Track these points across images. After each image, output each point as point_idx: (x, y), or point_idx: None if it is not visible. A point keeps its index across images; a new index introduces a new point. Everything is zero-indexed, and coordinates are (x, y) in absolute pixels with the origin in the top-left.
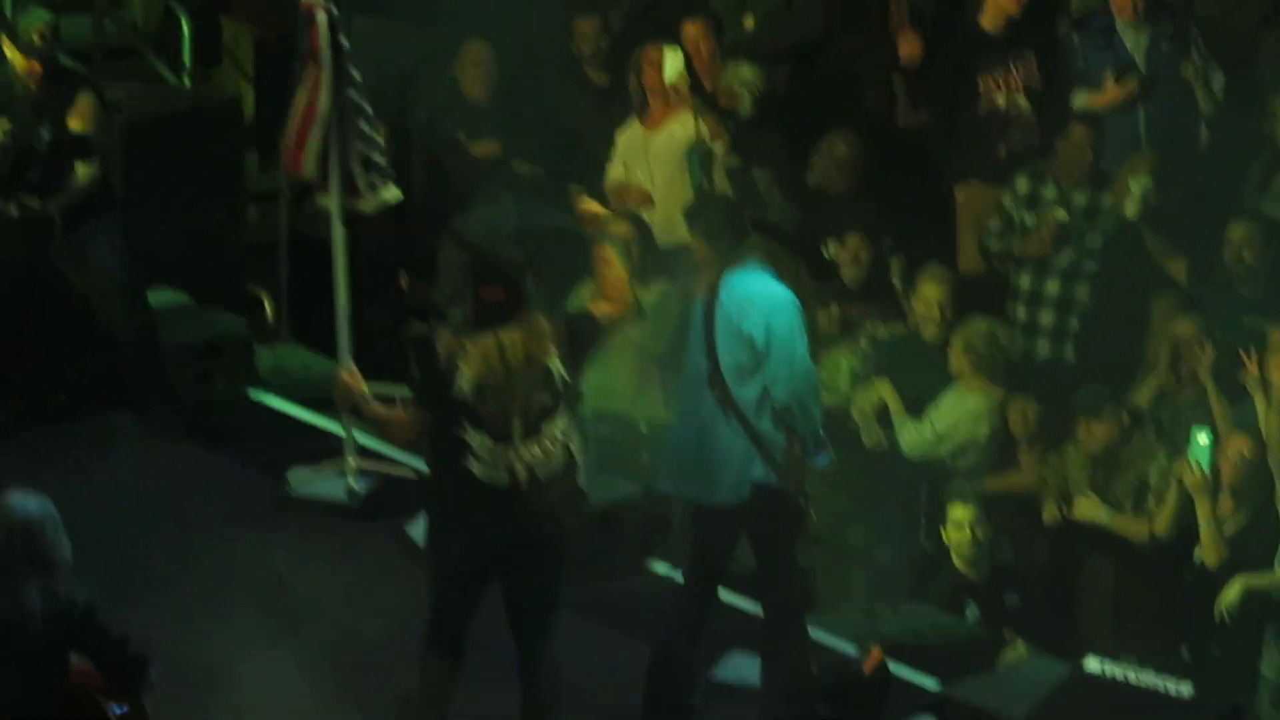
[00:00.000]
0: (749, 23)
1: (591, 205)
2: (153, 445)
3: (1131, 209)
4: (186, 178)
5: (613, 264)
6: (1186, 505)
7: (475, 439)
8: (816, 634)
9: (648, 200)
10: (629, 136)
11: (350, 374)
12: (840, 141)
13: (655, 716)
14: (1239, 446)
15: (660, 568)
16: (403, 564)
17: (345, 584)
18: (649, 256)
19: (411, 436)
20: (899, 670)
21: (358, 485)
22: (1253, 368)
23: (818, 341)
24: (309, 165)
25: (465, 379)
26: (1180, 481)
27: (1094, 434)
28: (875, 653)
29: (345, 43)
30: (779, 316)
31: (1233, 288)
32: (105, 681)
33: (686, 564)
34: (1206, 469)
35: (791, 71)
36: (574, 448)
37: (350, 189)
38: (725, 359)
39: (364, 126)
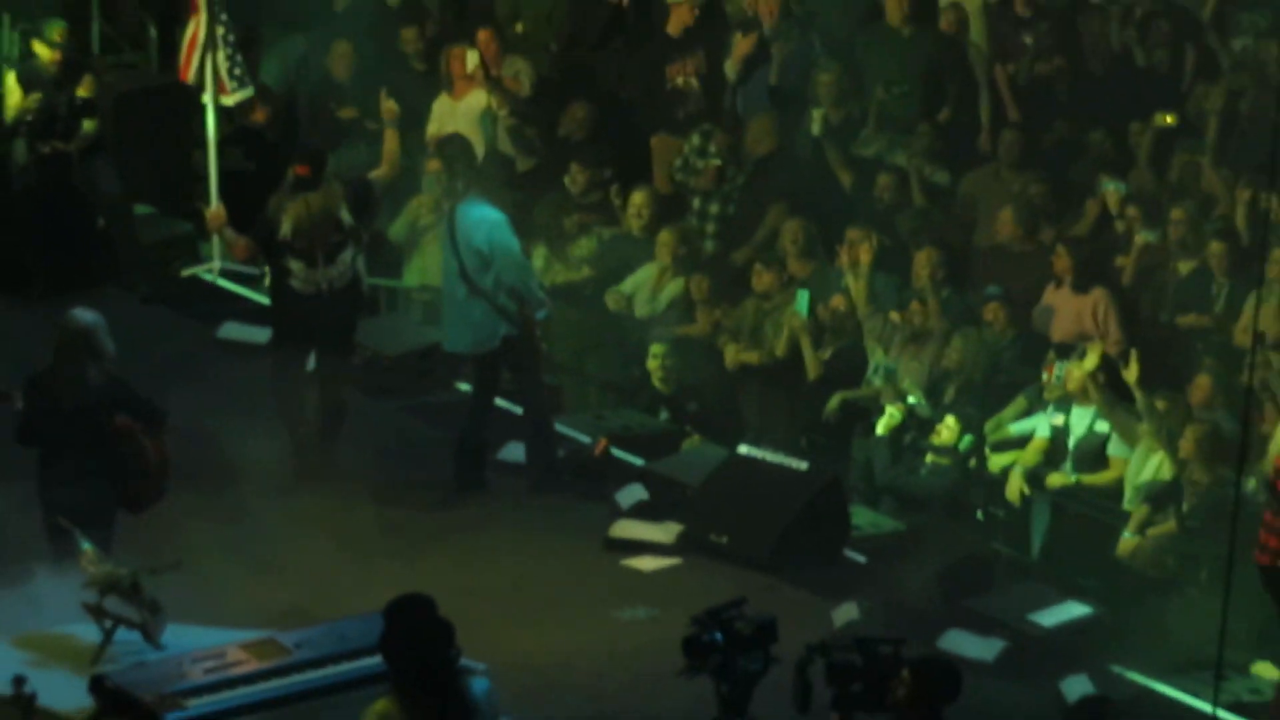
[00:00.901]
0: (519, 28)
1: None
2: (133, 306)
3: (816, 129)
4: (155, 130)
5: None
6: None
7: (294, 265)
8: (562, 429)
9: None
10: (441, 104)
11: (217, 209)
12: (579, 108)
13: (462, 482)
14: (834, 303)
15: (463, 385)
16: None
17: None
18: (454, 183)
19: (245, 257)
20: (618, 452)
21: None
22: (844, 255)
23: (563, 236)
24: (193, 75)
25: (285, 225)
26: (790, 323)
27: (763, 280)
28: (602, 442)
29: None
30: (496, 231)
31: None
32: (140, 425)
33: (473, 385)
34: (805, 316)
35: (550, 61)
36: (359, 268)
37: (220, 88)
38: (467, 262)
39: (228, 50)
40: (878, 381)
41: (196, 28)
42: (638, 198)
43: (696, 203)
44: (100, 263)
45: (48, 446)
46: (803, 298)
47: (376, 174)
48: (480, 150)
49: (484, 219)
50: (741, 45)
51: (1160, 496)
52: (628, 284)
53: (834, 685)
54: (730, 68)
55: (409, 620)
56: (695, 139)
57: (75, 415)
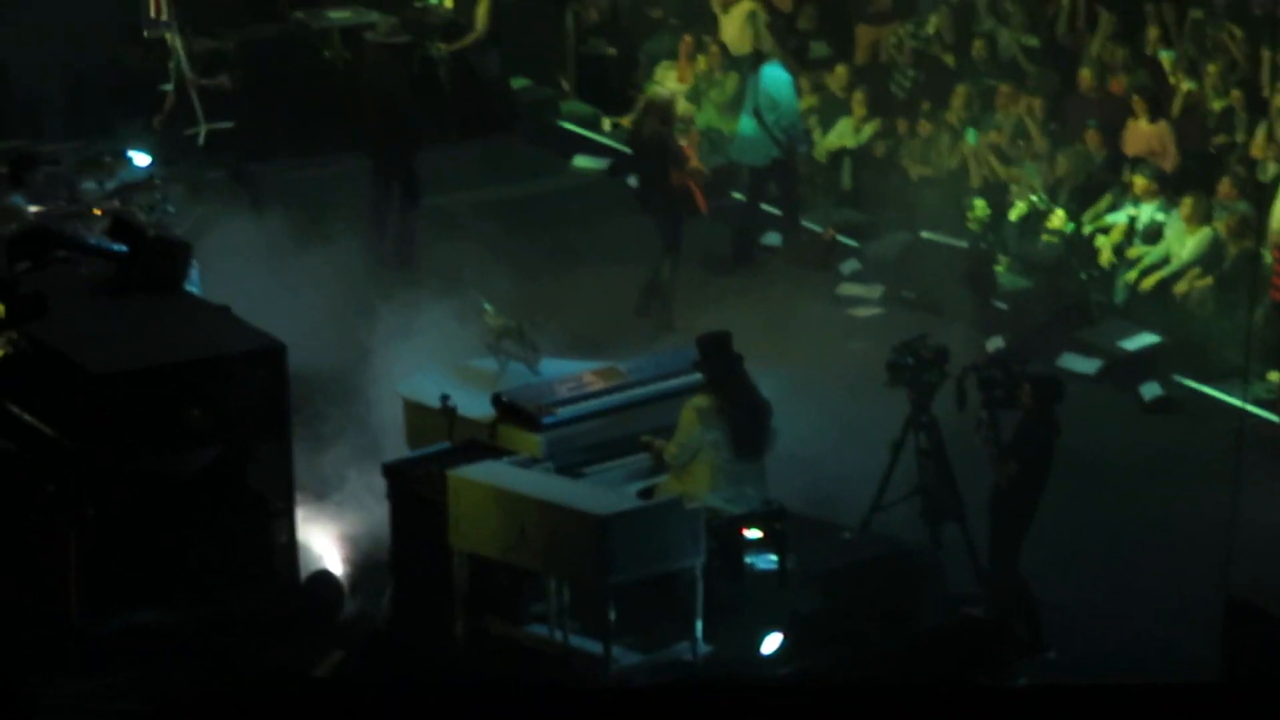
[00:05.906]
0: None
1: None
2: (521, 145)
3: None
4: (530, 26)
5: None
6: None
7: None
8: (804, 223)
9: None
10: (717, 6)
11: None
12: (810, 8)
13: (738, 258)
14: (994, 137)
15: (736, 195)
16: None
17: None
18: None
19: None
20: (842, 238)
21: None
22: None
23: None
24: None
25: None
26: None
27: (925, 126)
28: (830, 230)
29: None
30: (786, 87)
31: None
32: None
33: (747, 191)
34: (973, 142)
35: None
36: None
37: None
38: (761, 103)
39: None
40: (1015, 188)
41: None
42: (840, 69)
43: (898, 69)
44: (497, 115)
45: None
46: (971, 133)
47: None
48: (746, 38)
49: (779, 76)
50: None
51: (1201, 261)
52: (833, 134)
53: (983, 391)
54: None
55: (724, 341)
56: (910, 26)
57: None
